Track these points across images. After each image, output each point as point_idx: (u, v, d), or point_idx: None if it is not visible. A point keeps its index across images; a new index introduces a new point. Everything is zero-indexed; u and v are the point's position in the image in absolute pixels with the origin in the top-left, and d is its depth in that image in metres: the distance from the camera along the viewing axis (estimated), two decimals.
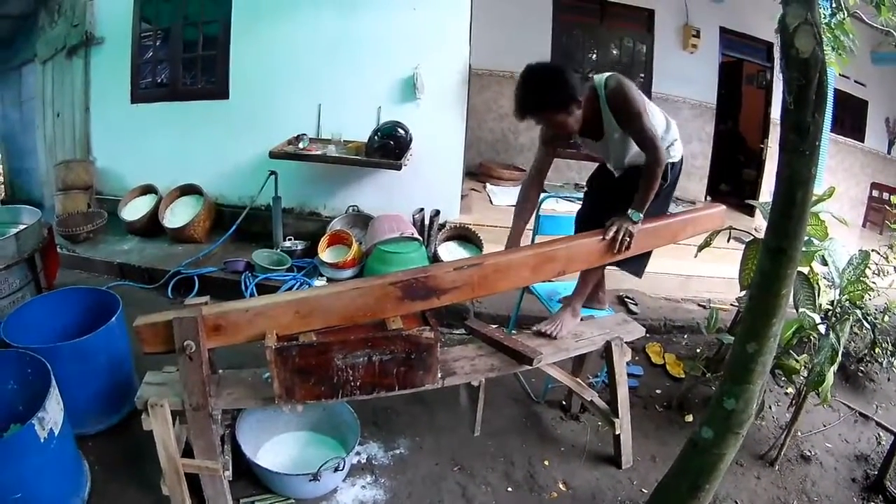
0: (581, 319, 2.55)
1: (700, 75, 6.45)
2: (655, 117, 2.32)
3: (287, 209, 4.66)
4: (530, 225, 2.64)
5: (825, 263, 2.61)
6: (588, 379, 2.92)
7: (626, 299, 4.12)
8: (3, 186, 7.54)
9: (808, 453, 2.74)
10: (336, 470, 2.23)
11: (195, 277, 3.95)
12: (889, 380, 3.47)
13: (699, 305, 4.22)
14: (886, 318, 3.18)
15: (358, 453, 2.51)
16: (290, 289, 3.90)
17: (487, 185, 6.09)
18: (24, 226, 3.13)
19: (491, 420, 2.72)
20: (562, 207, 3.48)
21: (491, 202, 5.58)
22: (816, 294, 2.55)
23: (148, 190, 4.91)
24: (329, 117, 4.67)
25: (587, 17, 6.59)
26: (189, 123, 4.89)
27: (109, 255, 4.37)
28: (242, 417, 2.37)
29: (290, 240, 4.46)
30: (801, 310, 2.49)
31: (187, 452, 2.02)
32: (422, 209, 4.56)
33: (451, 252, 4.40)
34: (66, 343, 2.37)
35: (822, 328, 2.47)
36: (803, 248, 2.56)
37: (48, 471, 1.93)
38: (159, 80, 5.15)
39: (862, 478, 2.65)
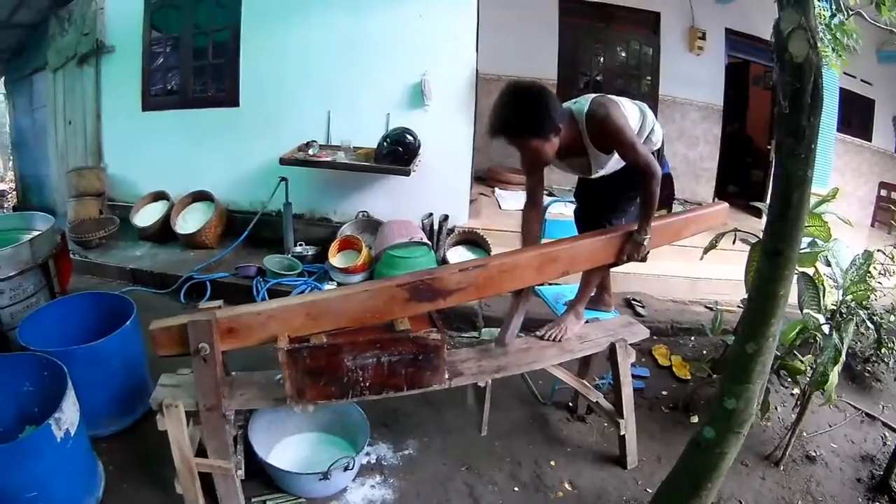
0: (586, 322, 2.59)
1: (707, 77, 6.44)
2: (631, 117, 2.27)
3: (297, 215, 4.70)
4: None
5: (829, 264, 2.63)
6: (594, 380, 2.95)
7: (633, 302, 4.13)
8: (15, 193, 7.65)
9: (814, 453, 2.75)
10: (346, 469, 2.26)
11: (207, 282, 4.01)
12: (895, 380, 3.47)
13: (706, 307, 4.23)
14: (893, 318, 3.16)
15: (368, 453, 2.55)
16: (300, 293, 3.92)
17: (496, 189, 6.09)
18: (38, 232, 3.15)
19: (498, 421, 2.74)
20: (569, 212, 3.49)
21: (500, 207, 5.58)
22: (821, 295, 2.56)
23: (159, 196, 4.99)
24: (338, 124, 4.72)
25: (593, 20, 6.59)
26: (200, 130, 4.95)
27: (122, 260, 4.43)
28: (255, 418, 2.42)
29: (300, 245, 4.51)
30: (805, 310, 2.51)
31: (201, 452, 2.06)
32: (431, 214, 4.61)
33: (459, 256, 4.43)
34: (81, 346, 2.40)
35: (826, 329, 2.48)
36: (807, 250, 2.60)
37: (64, 470, 1.97)
38: (170, 88, 5.24)
39: (867, 478, 2.64)
